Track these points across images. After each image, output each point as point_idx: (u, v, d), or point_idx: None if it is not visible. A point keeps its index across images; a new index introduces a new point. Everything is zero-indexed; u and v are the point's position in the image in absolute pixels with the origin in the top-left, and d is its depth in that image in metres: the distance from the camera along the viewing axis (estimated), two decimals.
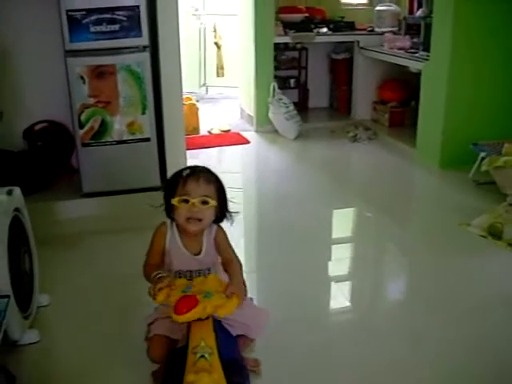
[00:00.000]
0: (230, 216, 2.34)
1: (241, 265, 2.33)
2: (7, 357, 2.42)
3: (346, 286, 3.32)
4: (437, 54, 5.01)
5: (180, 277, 2.26)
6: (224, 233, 2.35)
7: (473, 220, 3.88)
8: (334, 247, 3.88)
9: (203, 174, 2.22)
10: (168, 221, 2.29)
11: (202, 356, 1.99)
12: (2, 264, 2.36)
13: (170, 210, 2.26)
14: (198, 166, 2.28)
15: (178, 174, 2.24)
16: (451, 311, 2.96)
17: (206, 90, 8.55)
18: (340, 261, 3.64)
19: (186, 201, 2.15)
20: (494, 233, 3.74)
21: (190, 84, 8.11)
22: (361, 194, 4.71)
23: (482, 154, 4.31)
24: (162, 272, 2.14)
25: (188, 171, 2.21)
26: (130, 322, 2.81)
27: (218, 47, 7.98)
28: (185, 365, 1.99)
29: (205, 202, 2.17)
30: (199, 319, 2.03)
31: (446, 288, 3.21)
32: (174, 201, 2.17)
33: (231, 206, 2.35)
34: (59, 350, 2.65)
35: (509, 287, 3.24)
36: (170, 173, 4.02)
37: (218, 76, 8.08)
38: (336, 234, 4.15)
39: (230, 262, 2.31)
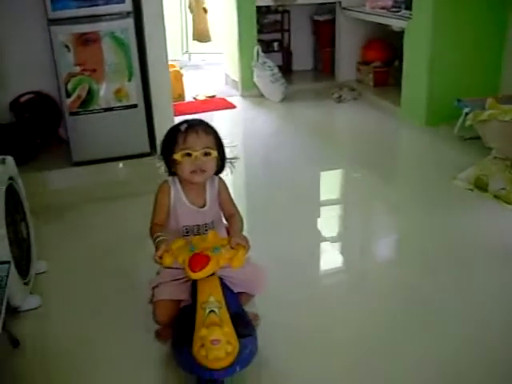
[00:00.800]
0: (231, 163, 2.36)
1: (242, 219, 2.36)
2: (10, 322, 2.46)
3: (336, 246, 3.38)
4: (419, 11, 5.02)
5: (187, 232, 2.30)
6: (225, 184, 2.38)
7: (459, 174, 3.95)
8: (323, 208, 3.93)
9: (201, 126, 2.22)
10: (169, 179, 2.31)
11: (212, 311, 2.03)
12: (1, 231, 2.40)
13: (170, 167, 2.28)
14: (194, 119, 2.28)
15: (175, 129, 2.23)
16: (443, 264, 3.03)
17: (189, 57, 8.52)
18: (330, 221, 3.69)
19: (189, 154, 2.16)
20: (480, 185, 3.81)
21: (172, 51, 8.06)
22: (348, 154, 4.76)
23: (466, 110, 4.34)
24: (161, 234, 2.16)
25: (185, 125, 2.21)
26: (128, 285, 2.86)
27: (205, 12, 7.90)
28: (194, 321, 2.04)
29: (207, 154, 2.18)
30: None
31: (436, 242, 3.28)
32: (177, 156, 2.17)
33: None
34: (60, 315, 2.70)
35: (496, 237, 3.33)
36: (158, 138, 4.10)
37: (203, 41, 8.01)
38: (325, 194, 4.20)
39: (232, 215, 2.34)
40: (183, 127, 2.20)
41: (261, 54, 6.13)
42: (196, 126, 2.21)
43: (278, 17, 6.82)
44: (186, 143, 2.17)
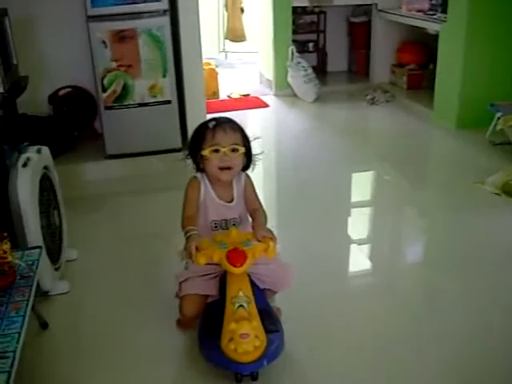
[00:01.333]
0: (256, 158, 2.42)
1: (265, 214, 2.41)
2: (40, 305, 2.56)
3: (365, 247, 3.38)
4: (454, 14, 5.02)
5: (216, 226, 2.36)
6: (251, 181, 2.44)
7: (487, 178, 3.96)
8: (352, 209, 3.95)
9: (228, 123, 2.29)
10: (198, 174, 2.35)
11: (241, 305, 2.09)
12: (34, 217, 2.50)
13: (199, 163, 2.33)
14: (221, 117, 2.36)
15: (204, 126, 2.30)
16: (469, 267, 3.03)
17: (226, 56, 8.61)
18: (359, 222, 3.69)
19: (217, 150, 2.22)
20: (508, 190, 3.81)
21: (209, 50, 8.19)
22: (379, 156, 4.78)
23: (498, 114, 4.35)
24: (192, 228, 2.20)
25: (214, 122, 2.27)
26: (154, 276, 2.95)
27: (242, 12, 7.99)
28: (222, 316, 2.10)
29: (234, 150, 2.25)
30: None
31: (462, 245, 3.29)
32: (206, 152, 2.23)
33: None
34: (87, 301, 2.80)
35: None
36: (191, 135, 4.19)
37: (237, 41, 8.10)
38: (355, 195, 4.20)
39: (256, 210, 2.39)
40: (211, 124, 2.27)
41: (295, 54, 6.18)
42: (224, 124, 2.28)
43: (314, 18, 6.88)
44: (215, 139, 2.23)
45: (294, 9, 6.37)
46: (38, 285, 2.38)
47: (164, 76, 4.08)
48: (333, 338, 2.46)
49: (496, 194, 3.86)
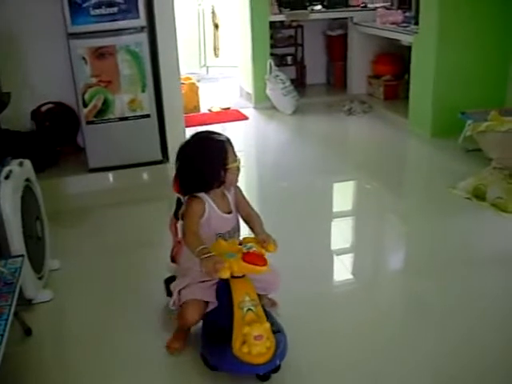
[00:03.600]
0: None
1: (259, 215, 2.51)
2: (23, 313, 2.64)
3: (346, 257, 3.44)
4: (425, 26, 5.17)
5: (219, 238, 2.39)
6: (240, 189, 2.54)
7: (458, 184, 4.09)
8: (334, 218, 4.05)
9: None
10: (200, 194, 2.36)
11: (249, 309, 2.17)
12: (17, 227, 2.60)
13: (219, 177, 2.35)
14: (207, 131, 2.47)
15: (219, 141, 2.36)
16: (446, 272, 3.14)
17: (207, 71, 8.72)
18: (339, 230, 3.80)
19: (236, 161, 2.37)
20: (478, 194, 3.94)
21: (190, 65, 8.31)
22: (358, 165, 4.88)
23: (469, 122, 4.47)
24: (206, 247, 2.20)
25: (224, 137, 2.38)
26: (137, 285, 3.04)
27: (217, 28, 8.13)
28: (228, 323, 2.18)
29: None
30: (237, 277, 2.19)
31: (437, 250, 3.42)
32: (235, 164, 2.34)
33: None
34: (71, 309, 2.89)
35: (493, 244, 3.46)
36: (171, 147, 4.30)
37: (215, 56, 8.25)
38: (336, 204, 4.33)
39: (251, 216, 2.49)
40: (223, 137, 2.38)
41: (273, 67, 6.31)
42: (222, 136, 2.41)
43: (292, 32, 7.02)
44: (232, 153, 2.35)
45: (272, 23, 6.52)
46: (21, 293, 2.48)
47: (143, 91, 4.19)
48: (314, 342, 2.53)
49: (467, 198, 3.99)
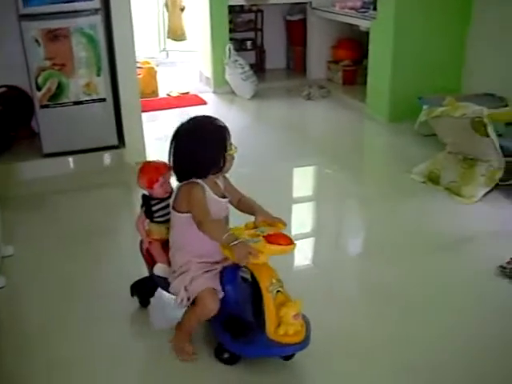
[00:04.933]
0: None
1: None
2: None
3: (305, 242, 3.45)
4: (383, 11, 5.20)
5: None
6: (227, 177, 2.49)
7: (413, 168, 4.14)
8: (294, 204, 4.06)
9: None
10: (199, 180, 2.28)
11: (278, 291, 2.17)
12: None
13: (220, 163, 2.31)
14: (207, 116, 2.42)
15: (222, 128, 2.33)
16: (404, 255, 3.22)
17: (167, 55, 8.64)
18: (299, 217, 3.80)
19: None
20: (433, 178, 4.00)
21: (149, 49, 8.22)
22: (317, 150, 4.90)
23: (425, 107, 4.51)
24: (231, 233, 2.19)
25: (221, 122, 2.34)
26: (95, 272, 3.04)
27: (182, 10, 8.02)
28: (240, 313, 2.24)
29: None
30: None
31: (393, 233, 3.48)
32: (233, 150, 2.33)
33: None
34: (24, 296, 2.85)
35: (446, 226, 3.54)
36: (127, 132, 4.26)
37: (177, 40, 8.14)
38: (297, 189, 4.34)
39: (246, 201, 2.46)
40: (222, 123, 2.34)
41: (233, 52, 6.27)
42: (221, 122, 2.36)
43: (252, 16, 6.97)
44: (230, 139, 2.33)
45: (231, 7, 6.47)
46: None
47: (98, 74, 4.13)
48: None
49: (423, 182, 4.04)
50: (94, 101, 4.18)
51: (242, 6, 6.76)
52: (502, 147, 3.76)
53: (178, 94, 6.44)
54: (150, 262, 2.54)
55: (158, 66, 7.34)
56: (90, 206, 3.85)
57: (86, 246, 3.30)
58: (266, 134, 5.29)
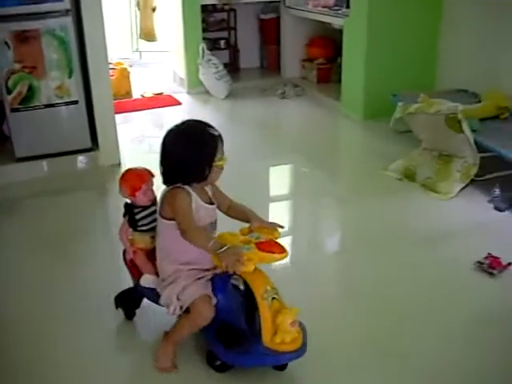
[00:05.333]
0: None
1: None
2: None
3: (282, 241, 3.43)
4: (356, 9, 5.20)
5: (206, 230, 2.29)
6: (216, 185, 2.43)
7: (389, 165, 4.15)
8: (271, 203, 4.06)
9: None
10: (186, 186, 2.22)
11: (273, 298, 2.12)
12: None
13: (203, 173, 2.22)
14: (200, 121, 2.32)
15: (213, 136, 2.22)
16: (383, 250, 3.23)
17: (140, 56, 8.57)
18: (277, 216, 3.69)
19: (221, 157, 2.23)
20: (409, 175, 4.01)
21: (122, 50, 8.15)
22: (292, 149, 4.90)
23: (400, 104, 4.52)
24: (217, 240, 2.16)
25: (214, 130, 2.24)
26: (70, 276, 2.99)
27: (154, 10, 7.94)
28: (233, 323, 2.21)
29: None
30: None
31: (370, 229, 3.48)
32: (222, 161, 2.22)
33: None
34: None
35: (425, 223, 3.56)
36: (100, 134, 4.21)
37: (149, 40, 8.07)
38: (274, 188, 4.34)
39: (237, 207, 2.41)
40: (216, 132, 2.23)
41: (206, 51, 6.24)
42: (215, 130, 2.25)
43: (224, 15, 6.94)
44: (222, 148, 2.23)
45: (204, 7, 6.44)
46: None
47: (70, 77, 4.07)
48: None
49: (399, 179, 4.05)
50: (66, 103, 4.12)
51: (214, 6, 6.73)
52: (476, 143, 3.78)
53: (151, 95, 6.39)
54: (136, 272, 2.46)
55: (131, 66, 7.29)
56: (64, 209, 3.80)
57: (62, 249, 3.26)
58: (241, 133, 5.26)
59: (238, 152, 4.74)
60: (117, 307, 2.61)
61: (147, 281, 2.40)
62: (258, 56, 7.44)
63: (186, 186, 2.22)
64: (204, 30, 6.50)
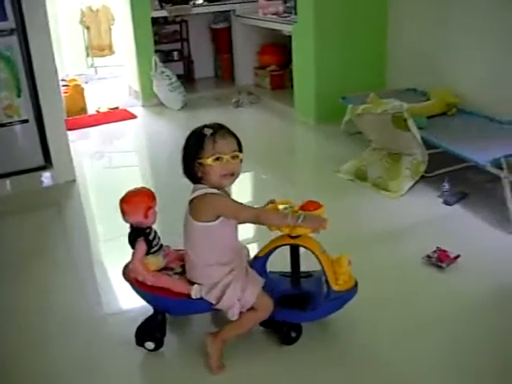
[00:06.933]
0: None
1: None
2: None
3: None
4: (303, 15, 5.28)
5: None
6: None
7: (341, 167, 4.22)
8: None
9: (225, 130, 2.29)
10: (210, 189, 2.28)
11: (325, 250, 2.42)
12: None
13: (194, 173, 2.29)
14: (215, 124, 2.31)
15: (200, 134, 2.25)
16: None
17: (96, 71, 8.55)
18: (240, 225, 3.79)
19: (219, 158, 2.21)
20: (360, 175, 4.08)
21: (78, 66, 8.12)
22: (249, 156, 4.79)
23: (350, 106, 4.60)
24: (288, 212, 2.33)
25: (210, 130, 2.24)
26: (36, 297, 2.97)
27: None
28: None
29: (234, 157, 2.27)
30: (296, 236, 2.36)
31: (327, 232, 3.45)
32: (209, 160, 2.21)
33: None
34: None
35: (377, 221, 3.63)
36: (53, 152, 4.20)
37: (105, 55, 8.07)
38: (235, 197, 4.30)
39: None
40: (208, 132, 2.23)
41: (159, 64, 6.26)
42: (221, 130, 2.26)
43: (177, 27, 7.01)
44: (216, 148, 2.21)
45: (155, 19, 6.47)
46: None
47: (18, 96, 4.06)
48: None
49: (351, 180, 4.12)
50: (16, 123, 4.11)
51: (165, 18, 6.78)
52: (424, 140, 3.86)
53: (107, 110, 6.39)
54: (163, 294, 2.36)
55: (87, 82, 7.30)
56: (19, 229, 3.76)
57: (22, 271, 3.23)
58: None
59: None
60: (141, 344, 2.46)
61: (197, 292, 2.33)
62: (212, 66, 7.50)
63: (210, 189, 2.28)
64: (156, 43, 6.55)
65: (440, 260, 3.00)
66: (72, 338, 2.62)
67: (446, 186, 3.77)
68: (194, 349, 2.45)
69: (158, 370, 2.42)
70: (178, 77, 6.40)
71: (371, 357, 2.42)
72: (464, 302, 2.75)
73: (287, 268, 2.54)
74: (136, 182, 4.51)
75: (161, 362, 2.45)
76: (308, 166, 4.83)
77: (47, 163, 4.28)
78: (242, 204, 2.34)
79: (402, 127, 3.83)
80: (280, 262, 2.56)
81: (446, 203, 3.70)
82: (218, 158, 2.22)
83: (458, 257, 3.02)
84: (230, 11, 6.79)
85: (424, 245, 3.15)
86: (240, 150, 2.32)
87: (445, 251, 3.04)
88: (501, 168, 3.41)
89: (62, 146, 4.26)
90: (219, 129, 2.27)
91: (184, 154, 2.31)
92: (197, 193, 2.28)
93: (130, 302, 2.78)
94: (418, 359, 2.39)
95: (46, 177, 4.26)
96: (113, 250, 3.46)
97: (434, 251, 3.06)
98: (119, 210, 2.41)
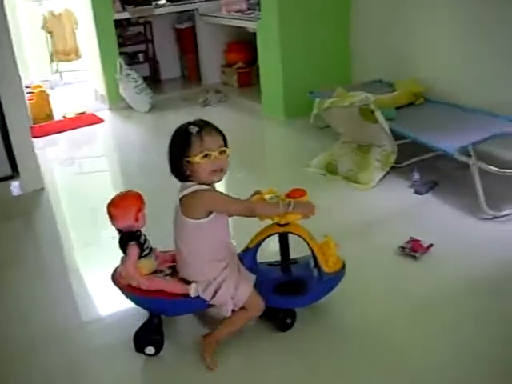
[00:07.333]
0: None
1: None
2: None
3: None
4: (267, 11, 5.26)
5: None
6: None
7: (311, 161, 4.22)
8: None
9: (211, 126, 2.32)
10: (201, 186, 2.30)
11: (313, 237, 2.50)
12: None
13: (182, 171, 2.31)
14: (200, 120, 2.35)
15: (185, 132, 2.27)
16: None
17: (61, 76, 8.45)
18: None
19: (207, 155, 2.23)
20: (331, 169, 4.08)
21: (42, 72, 8.01)
22: None
23: (317, 100, 4.60)
24: (277, 200, 2.37)
25: (196, 128, 2.26)
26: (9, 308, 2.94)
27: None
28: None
29: (222, 152, 2.29)
30: (284, 224, 2.43)
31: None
32: (197, 158, 2.22)
33: None
34: None
35: (349, 213, 3.64)
36: (19, 161, 4.13)
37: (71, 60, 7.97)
38: None
39: None
40: (194, 130, 2.25)
41: (124, 66, 6.20)
42: (207, 127, 2.30)
43: (141, 28, 6.94)
44: (204, 145, 2.24)
45: (118, 22, 6.40)
46: None
47: None
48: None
49: (322, 174, 4.12)
50: None
51: (129, 20, 6.70)
52: (393, 131, 3.88)
53: (73, 115, 6.31)
54: (159, 296, 2.35)
55: (52, 88, 7.20)
56: None
57: None
58: (167, 145, 5.23)
59: (166, 164, 4.73)
60: (141, 350, 2.43)
61: (195, 290, 2.33)
62: (179, 66, 7.45)
63: (201, 186, 2.29)
64: (121, 45, 6.49)
65: (413, 250, 3.02)
66: (52, 348, 2.59)
67: (416, 175, 3.80)
68: (186, 351, 2.47)
69: (142, 374, 2.43)
70: (144, 79, 6.35)
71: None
72: (438, 290, 2.77)
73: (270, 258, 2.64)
74: (107, 186, 4.48)
75: (144, 367, 2.44)
76: (279, 161, 4.83)
77: (14, 172, 4.21)
78: (232, 197, 2.36)
79: (370, 119, 3.85)
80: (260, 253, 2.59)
81: (417, 193, 3.72)
82: (206, 155, 2.23)
83: (430, 246, 3.05)
84: (193, 10, 6.73)
85: (397, 235, 3.17)
86: (226, 145, 2.34)
87: (418, 241, 3.06)
88: (469, 155, 3.44)
89: (28, 154, 4.20)
90: (205, 126, 2.30)
91: (170, 154, 2.33)
92: (187, 190, 2.29)
93: (109, 308, 2.78)
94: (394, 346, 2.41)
95: (15, 186, 4.19)
96: (87, 256, 3.43)
97: (408, 241, 3.08)
98: (107, 214, 2.37)
